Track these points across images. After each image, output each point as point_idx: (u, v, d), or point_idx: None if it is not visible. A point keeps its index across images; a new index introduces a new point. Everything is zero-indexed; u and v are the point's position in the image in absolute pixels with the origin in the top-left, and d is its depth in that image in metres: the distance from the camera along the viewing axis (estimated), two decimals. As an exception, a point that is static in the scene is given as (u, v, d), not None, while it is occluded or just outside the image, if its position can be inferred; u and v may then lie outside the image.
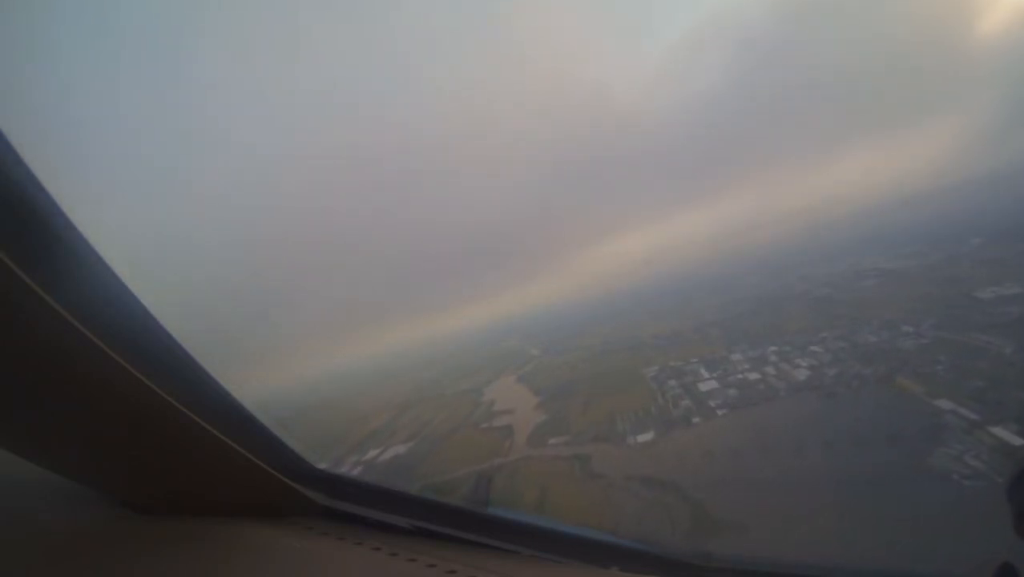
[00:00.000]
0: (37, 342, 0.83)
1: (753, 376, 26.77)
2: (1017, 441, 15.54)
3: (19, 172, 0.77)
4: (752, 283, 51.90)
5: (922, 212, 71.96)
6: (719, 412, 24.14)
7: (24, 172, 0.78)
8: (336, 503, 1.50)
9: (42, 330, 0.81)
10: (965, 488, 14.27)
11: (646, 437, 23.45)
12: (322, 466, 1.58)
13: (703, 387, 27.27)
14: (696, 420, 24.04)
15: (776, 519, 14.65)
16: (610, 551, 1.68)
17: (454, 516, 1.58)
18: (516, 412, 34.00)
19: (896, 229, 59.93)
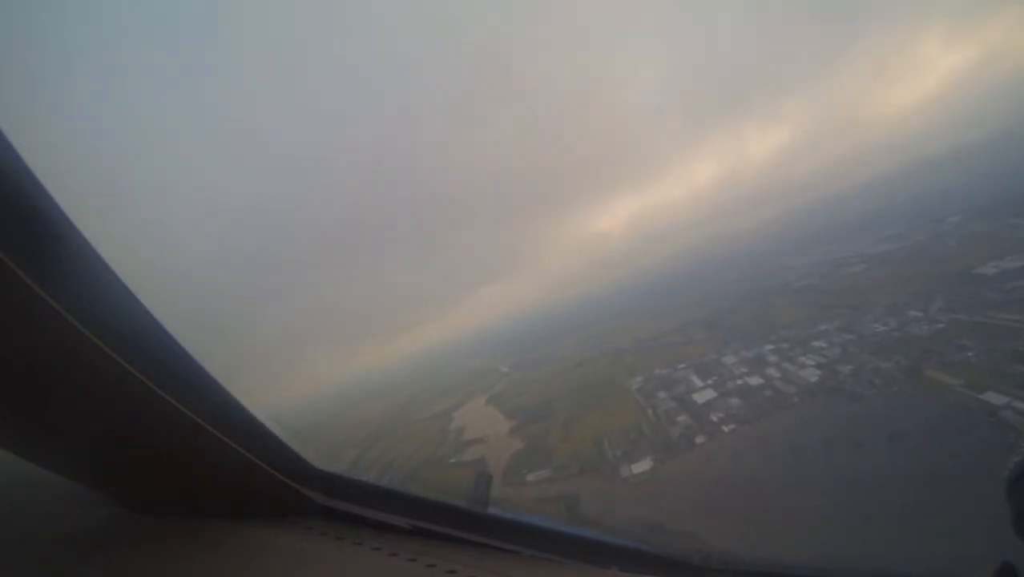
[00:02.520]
0: (37, 342, 0.84)
1: (755, 381, 23.27)
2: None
3: (19, 172, 0.78)
4: (729, 277, 49.71)
5: (888, 196, 72.58)
6: (725, 428, 20.46)
7: (24, 172, 0.78)
8: (336, 503, 1.48)
9: (42, 330, 0.82)
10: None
11: (643, 466, 19.47)
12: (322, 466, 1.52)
13: (699, 398, 23.62)
14: (699, 440, 20.32)
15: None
16: (610, 551, 1.66)
17: (454, 516, 1.55)
18: (488, 440, 30.46)
19: (866, 213, 59.51)
